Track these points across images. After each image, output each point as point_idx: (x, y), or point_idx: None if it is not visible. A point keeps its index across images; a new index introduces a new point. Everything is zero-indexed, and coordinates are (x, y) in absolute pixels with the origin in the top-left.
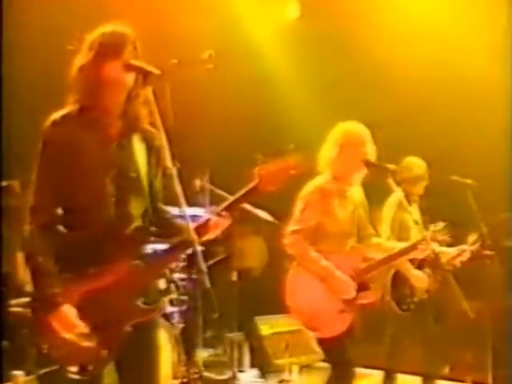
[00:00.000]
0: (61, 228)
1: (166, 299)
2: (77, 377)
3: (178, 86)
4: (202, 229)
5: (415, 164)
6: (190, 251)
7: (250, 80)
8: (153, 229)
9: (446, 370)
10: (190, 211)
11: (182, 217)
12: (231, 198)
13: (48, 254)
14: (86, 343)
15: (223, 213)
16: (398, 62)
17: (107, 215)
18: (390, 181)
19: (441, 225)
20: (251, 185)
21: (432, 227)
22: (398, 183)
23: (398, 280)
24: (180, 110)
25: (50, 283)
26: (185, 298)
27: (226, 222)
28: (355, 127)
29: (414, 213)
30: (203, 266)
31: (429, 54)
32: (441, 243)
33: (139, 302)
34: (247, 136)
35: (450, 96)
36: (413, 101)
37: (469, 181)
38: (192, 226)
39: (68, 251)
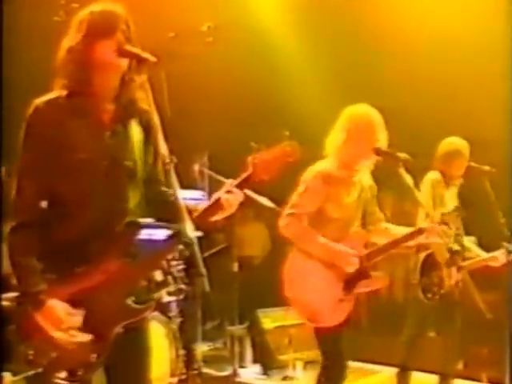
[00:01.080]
0: (46, 224)
1: (163, 292)
2: (65, 383)
3: (174, 62)
4: (211, 210)
5: (451, 141)
6: (187, 253)
7: (251, 54)
8: (145, 221)
9: (460, 366)
10: (188, 194)
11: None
12: (222, 190)
13: (31, 252)
14: (80, 338)
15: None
16: (412, 34)
17: (99, 210)
18: (401, 170)
19: (451, 207)
20: (244, 175)
21: (442, 210)
22: (434, 167)
23: (429, 266)
24: (177, 88)
25: (33, 281)
26: (183, 286)
27: (238, 198)
28: (364, 111)
29: (449, 198)
30: (203, 270)
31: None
32: (451, 227)
33: (130, 302)
34: (249, 115)
35: (468, 80)
36: (429, 82)
37: (486, 167)
38: (190, 223)
39: (54, 249)
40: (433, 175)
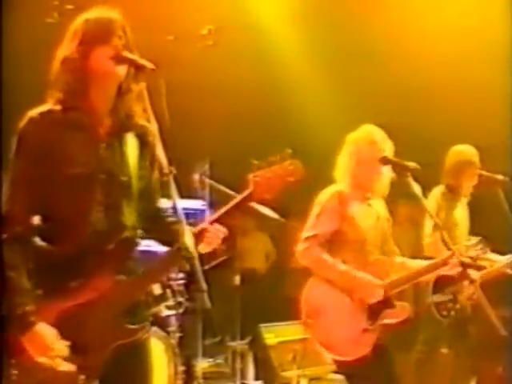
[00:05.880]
0: (38, 240)
1: (162, 306)
2: None
3: (173, 66)
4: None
5: (460, 151)
6: (188, 267)
7: (253, 58)
8: (139, 240)
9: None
10: (188, 204)
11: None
12: (222, 209)
13: (21, 268)
14: (65, 368)
15: (215, 225)
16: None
17: (95, 226)
18: (410, 179)
19: (474, 239)
20: (245, 193)
21: (465, 241)
22: (442, 179)
23: (441, 283)
24: (176, 94)
25: (22, 301)
26: (182, 299)
27: (221, 233)
28: (363, 131)
29: (458, 211)
30: (203, 285)
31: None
32: (474, 259)
33: (123, 321)
34: (251, 121)
35: (471, 87)
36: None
37: (500, 176)
38: (191, 236)
39: (47, 263)
40: (439, 192)
